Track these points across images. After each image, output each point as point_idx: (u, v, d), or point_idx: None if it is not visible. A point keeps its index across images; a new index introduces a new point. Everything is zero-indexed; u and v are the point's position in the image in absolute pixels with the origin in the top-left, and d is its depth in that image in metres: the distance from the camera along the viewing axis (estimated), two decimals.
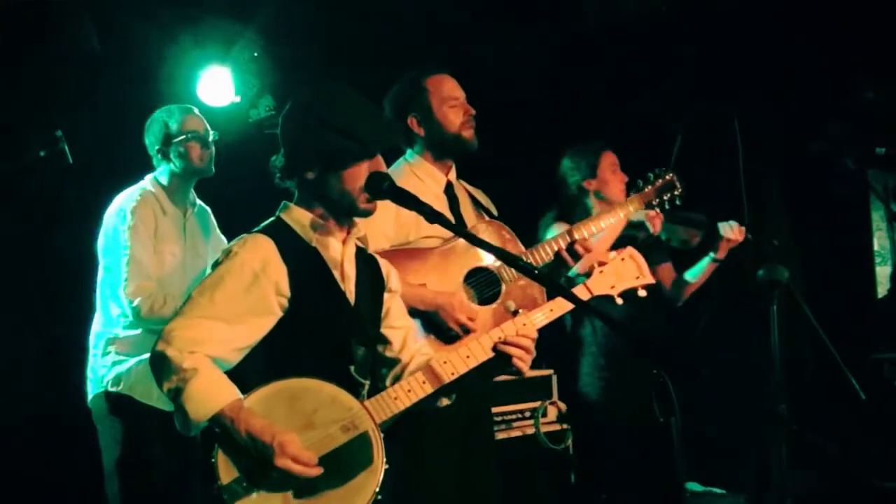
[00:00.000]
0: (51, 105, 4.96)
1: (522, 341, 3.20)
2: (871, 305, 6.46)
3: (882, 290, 6.55)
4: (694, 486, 5.94)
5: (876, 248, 6.65)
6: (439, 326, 3.91)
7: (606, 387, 4.98)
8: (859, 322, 6.25)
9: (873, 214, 6.63)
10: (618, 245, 4.86)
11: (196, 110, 4.83)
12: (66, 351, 4.69)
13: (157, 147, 4.70)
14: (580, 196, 5.10)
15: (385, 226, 3.95)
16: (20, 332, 4.87)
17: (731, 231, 5.03)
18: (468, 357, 3.18)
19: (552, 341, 3.98)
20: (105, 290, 4.55)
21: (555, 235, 4.30)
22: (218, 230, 5.00)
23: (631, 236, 4.84)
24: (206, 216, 4.96)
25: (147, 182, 4.73)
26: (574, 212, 5.04)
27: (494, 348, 3.20)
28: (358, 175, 3.09)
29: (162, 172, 4.75)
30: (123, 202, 4.59)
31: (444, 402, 3.31)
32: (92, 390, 4.56)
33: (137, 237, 4.49)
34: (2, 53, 5.18)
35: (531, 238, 4.30)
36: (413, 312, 3.85)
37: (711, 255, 5.09)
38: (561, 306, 3.37)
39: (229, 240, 4.74)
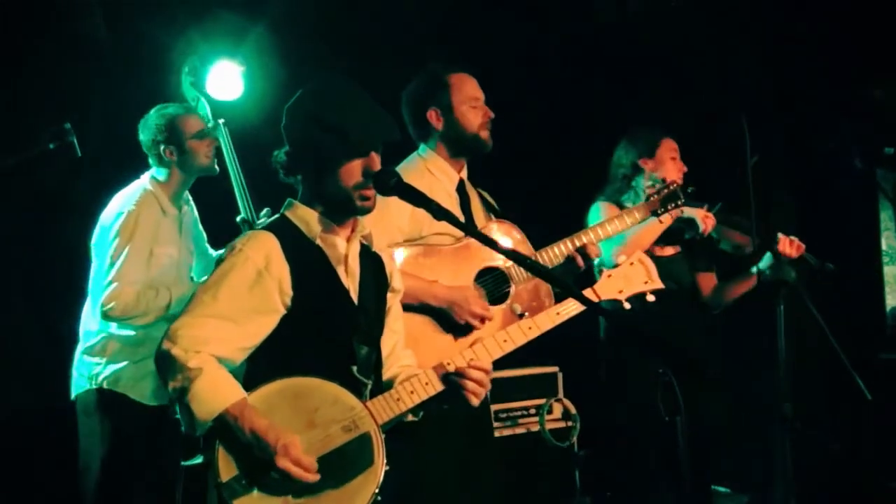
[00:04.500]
0: (60, 98, 4.96)
1: (473, 374, 3.13)
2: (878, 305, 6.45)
3: (890, 290, 6.54)
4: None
5: (884, 248, 6.63)
6: (452, 322, 3.92)
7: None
8: (866, 322, 6.24)
9: (881, 214, 6.62)
10: (665, 241, 4.88)
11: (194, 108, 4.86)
12: (73, 344, 4.70)
13: (161, 146, 4.69)
14: (633, 175, 4.96)
15: (400, 220, 3.96)
16: (26, 324, 4.88)
17: (788, 246, 4.81)
18: (427, 384, 3.14)
19: (558, 339, 3.98)
20: (95, 287, 4.56)
21: (564, 238, 4.28)
22: (200, 224, 5.03)
23: (678, 231, 4.81)
24: (193, 211, 4.98)
25: (146, 181, 4.72)
26: (625, 193, 4.95)
27: (446, 378, 3.15)
28: (352, 172, 3.09)
29: (160, 171, 4.74)
30: (123, 203, 4.60)
31: (411, 417, 3.29)
32: (81, 385, 4.59)
33: (132, 241, 4.50)
34: (11, 45, 5.19)
35: (538, 239, 4.29)
36: (424, 308, 3.90)
37: (760, 266, 4.88)
38: (568, 310, 3.38)
39: (227, 237, 4.79)
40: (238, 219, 4.85)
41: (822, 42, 6.08)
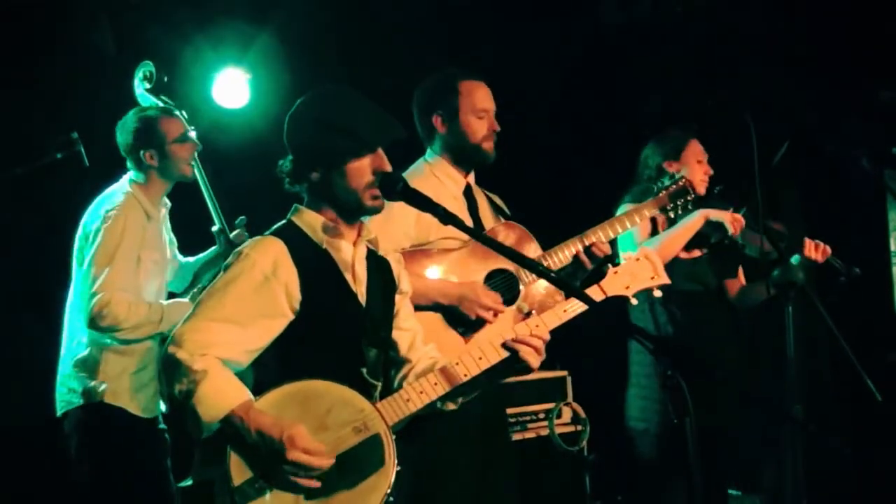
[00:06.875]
0: (67, 107, 4.97)
1: (533, 341, 3.18)
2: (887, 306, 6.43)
3: None
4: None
5: (892, 248, 6.62)
6: (462, 319, 3.90)
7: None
8: (875, 323, 6.22)
9: (890, 214, 6.61)
10: (691, 245, 4.86)
11: (176, 111, 4.64)
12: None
13: (140, 150, 4.45)
14: (658, 177, 4.90)
15: (407, 225, 3.96)
16: (34, 333, 4.87)
17: (814, 250, 4.83)
18: (480, 359, 3.18)
19: (567, 343, 3.98)
20: (81, 296, 4.34)
21: (572, 238, 4.27)
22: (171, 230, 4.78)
23: (705, 235, 4.80)
24: (167, 216, 4.74)
25: (126, 184, 4.50)
26: (650, 194, 4.84)
27: (506, 346, 3.19)
28: (361, 170, 3.10)
29: (138, 176, 4.51)
30: (105, 207, 4.37)
31: (450, 405, 3.30)
32: (71, 401, 4.37)
33: (120, 247, 4.27)
34: (19, 55, 5.21)
35: (546, 241, 4.29)
36: (435, 307, 3.89)
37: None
38: (574, 308, 3.38)
39: (199, 248, 4.71)
40: (214, 229, 4.69)
41: (829, 43, 6.08)
